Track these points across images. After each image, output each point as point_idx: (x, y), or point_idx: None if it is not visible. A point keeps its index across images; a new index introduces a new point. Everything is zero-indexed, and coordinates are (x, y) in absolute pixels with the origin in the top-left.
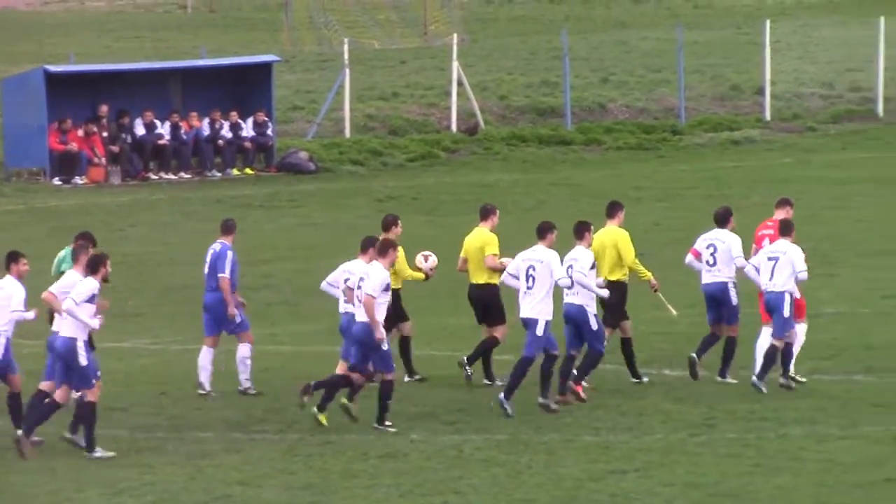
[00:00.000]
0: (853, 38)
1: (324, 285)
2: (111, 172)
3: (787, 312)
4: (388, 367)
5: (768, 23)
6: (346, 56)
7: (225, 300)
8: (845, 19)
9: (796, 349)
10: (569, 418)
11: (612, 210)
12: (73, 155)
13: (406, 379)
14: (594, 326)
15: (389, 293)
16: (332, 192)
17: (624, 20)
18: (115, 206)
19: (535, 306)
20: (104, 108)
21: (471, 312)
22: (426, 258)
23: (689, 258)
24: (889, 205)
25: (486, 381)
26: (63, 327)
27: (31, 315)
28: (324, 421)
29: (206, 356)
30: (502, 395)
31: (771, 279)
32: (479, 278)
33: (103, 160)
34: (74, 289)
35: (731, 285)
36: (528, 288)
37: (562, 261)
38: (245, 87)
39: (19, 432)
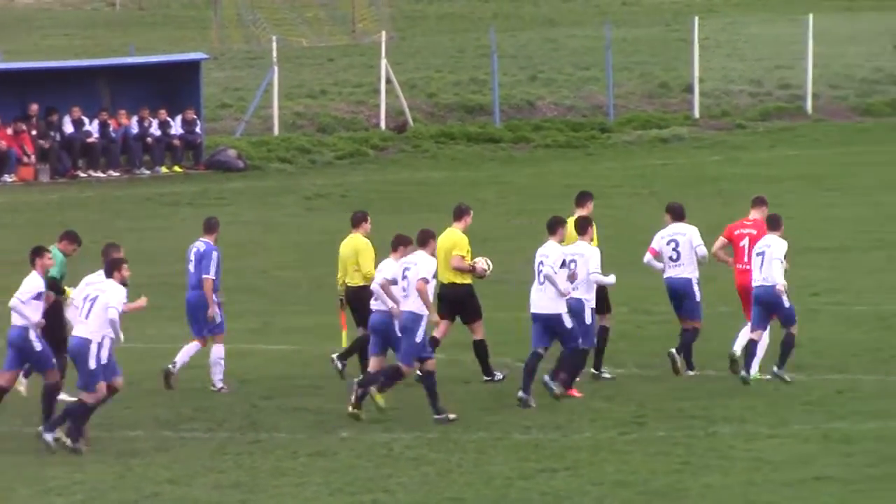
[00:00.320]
0: (782, 35)
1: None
2: (40, 170)
3: (787, 303)
4: (427, 352)
5: (697, 20)
6: (274, 54)
7: (207, 301)
8: (774, 17)
9: (737, 347)
10: (498, 416)
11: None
12: (2, 153)
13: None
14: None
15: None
16: (261, 189)
17: (552, 18)
18: (44, 203)
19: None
20: (34, 107)
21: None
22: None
23: (648, 257)
24: (817, 202)
25: (486, 378)
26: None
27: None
28: (381, 401)
29: (216, 352)
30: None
31: (760, 273)
32: (450, 278)
33: (33, 158)
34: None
35: (694, 281)
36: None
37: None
38: (174, 85)
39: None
